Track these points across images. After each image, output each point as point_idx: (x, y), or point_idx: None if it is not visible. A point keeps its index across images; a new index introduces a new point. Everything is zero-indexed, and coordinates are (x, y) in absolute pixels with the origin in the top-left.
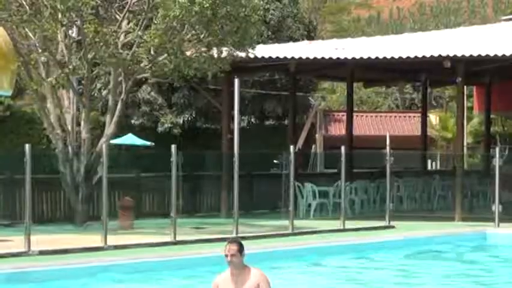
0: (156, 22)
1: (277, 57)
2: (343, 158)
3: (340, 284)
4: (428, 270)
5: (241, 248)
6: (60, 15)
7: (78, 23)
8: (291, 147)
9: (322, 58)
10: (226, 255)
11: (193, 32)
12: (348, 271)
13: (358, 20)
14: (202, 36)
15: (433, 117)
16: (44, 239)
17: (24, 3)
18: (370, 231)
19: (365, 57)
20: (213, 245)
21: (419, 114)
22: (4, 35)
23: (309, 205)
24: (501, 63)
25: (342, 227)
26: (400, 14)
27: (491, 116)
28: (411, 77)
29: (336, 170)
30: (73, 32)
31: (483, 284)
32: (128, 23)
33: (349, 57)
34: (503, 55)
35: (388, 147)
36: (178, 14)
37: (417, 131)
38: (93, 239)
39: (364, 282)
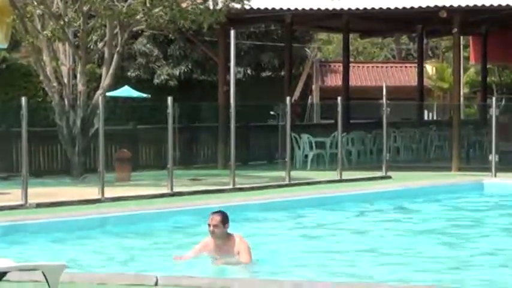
0: None
1: (273, 9)
2: (339, 109)
3: (337, 234)
4: (425, 220)
5: (224, 219)
6: None
7: None
8: (287, 98)
9: (318, 9)
10: (209, 225)
11: None
12: (345, 221)
13: None
14: None
15: (430, 68)
16: (41, 191)
17: None
18: (367, 181)
19: (361, 7)
20: (210, 196)
21: (415, 65)
22: None
23: (306, 156)
24: (497, 13)
25: (338, 178)
26: None
27: (488, 66)
28: (407, 28)
29: (332, 121)
30: None
31: (481, 232)
32: None
33: (345, 8)
34: (499, 5)
35: (384, 98)
36: None
37: (414, 82)
38: (90, 192)
39: (362, 232)
